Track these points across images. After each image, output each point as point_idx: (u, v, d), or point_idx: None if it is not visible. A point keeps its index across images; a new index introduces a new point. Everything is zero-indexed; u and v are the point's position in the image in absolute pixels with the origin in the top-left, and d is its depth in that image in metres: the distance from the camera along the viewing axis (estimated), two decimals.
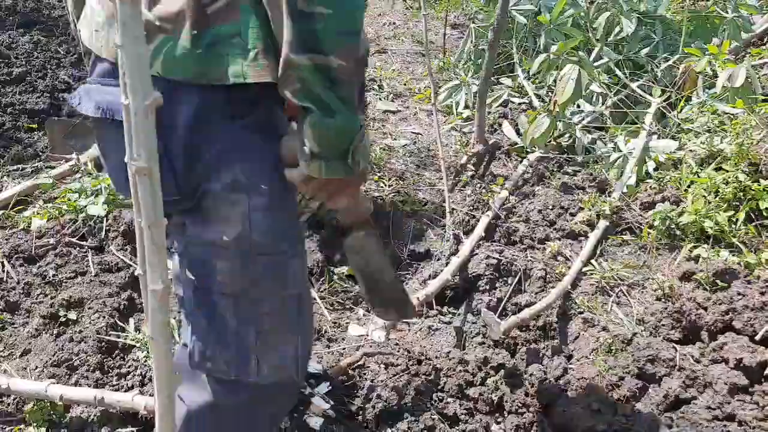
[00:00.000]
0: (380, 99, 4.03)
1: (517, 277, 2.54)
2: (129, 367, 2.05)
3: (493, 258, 2.58)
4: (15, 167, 3.08)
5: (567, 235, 2.74)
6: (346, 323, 2.49)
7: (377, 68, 4.38)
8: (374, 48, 4.70)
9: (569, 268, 2.53)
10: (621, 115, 3.40)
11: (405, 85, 4.24)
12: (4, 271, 2.31)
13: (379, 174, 3.20)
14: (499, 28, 2.95)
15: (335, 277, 2.66)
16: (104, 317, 2.15)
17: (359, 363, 2.08)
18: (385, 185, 3.12)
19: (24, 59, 4.57)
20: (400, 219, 2.95)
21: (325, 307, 2.53)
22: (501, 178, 3.10)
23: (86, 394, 1.81)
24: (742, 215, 2.54)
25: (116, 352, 2.09)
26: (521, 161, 3.25)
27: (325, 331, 2.41)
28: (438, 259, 2.71)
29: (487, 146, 3.21)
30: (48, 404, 1.85)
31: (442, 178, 3.13)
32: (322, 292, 2.60)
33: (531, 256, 2.63)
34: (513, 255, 2.63)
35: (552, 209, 2.84)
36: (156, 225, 0.82)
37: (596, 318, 2.34)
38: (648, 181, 2.93)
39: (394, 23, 5.19)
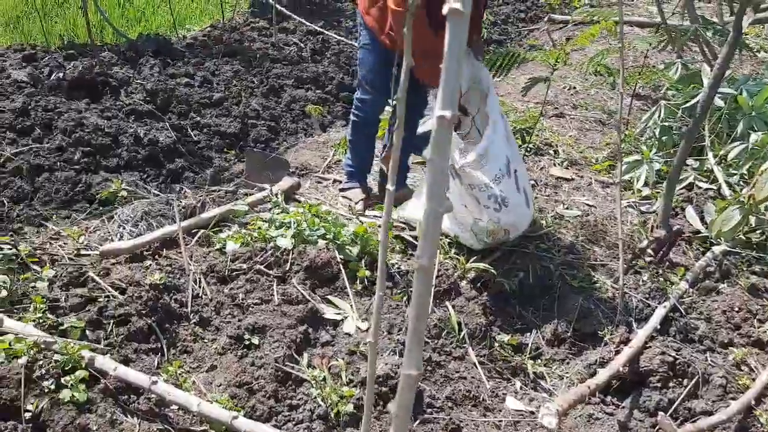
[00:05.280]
0: (555, 164, 3.99)
1: (694, 381, 2.39)
2: (299, 399, 2.17)
3: (669, 355, 2.45)
4: (215, 188, 3.39)
5: (753, 343, 2.54)
6: (504, 394, 2.47)
7: (553, 133, 4.35)
8: (552, 111, 4.68)
9: (754, 380, 2.34)
10: None
11: (581, 153, 4.18)
12: (200, 287, 2.53)
13: (548, 243, 3.16)
14: (701, 115, 2.83)
15: (496, 344, 2.65)
16: (283, 347, 2.29)
17: None
18: (555, 255, 3.07)
19: (224, 86, 5.04)
20: (568, 294, 2.89)
21: (484, 374, 2.52)
22: (681, 267, 2.94)
23: None
24: None
25: (289, 383, 2.22)
26: (704, 252, 3.08)
27: (483, 399, 2.40)
28: (606, 345, 2.62)
29: (669, 232, 3.06)
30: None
31: (615, 257, 3.03)
32: (481, 357, 2.59)
33: (711, 360, 2.47)
34: (691, 355, 2.48)
35: (738, 311, 2.66)
36: (421, 316, 0.87)
37: None
38: None
39: (574, 87, 5.15)
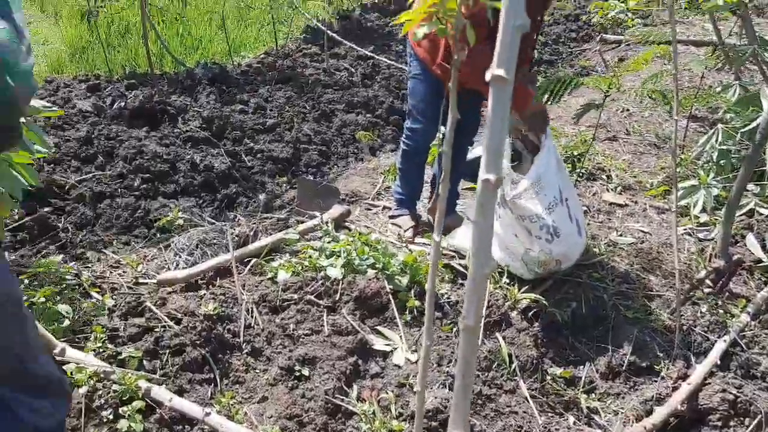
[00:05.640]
0: (608, 190, 3.92)
1: (756, 420, 2.29)
2: None
3: (730, 393, 2.36)
4: (267, 215, 3.46)
5: None
6: (556, 429, 2.42)
7: (606, 157, 4.28)
8: (604, 135, 4.60)
9: None
10: None
11: (635, 177, 4.09)
12: (252, 317, 2.58)
13: (601, 272, 3.10)
14: (762, 139, 2.74)
15: (548, 377, 2.61)
16: (332, 379, 2.31)
17: None
18: (609, 284, 3.01)
19: (276, 111, 5.15)
20: (622, 324, 2.82)
21: (536, 408, 2.47)
22: (742, 299, 2.84)
23: None
24: None
25: (339, 415, 2.23)
26: (766, 283, 2.96)
27: None
28: (662, 379, 2.54)
29: (729, 261, 2.96)
30: None
31: (671, 287, 2.95)
32: (533, 390, 2.55)
33: None
34: (753, 393, 2.38)
35: None
36: (468, 376, 0.87)
37: None
38: None
39: (627, 110, 5.05)
